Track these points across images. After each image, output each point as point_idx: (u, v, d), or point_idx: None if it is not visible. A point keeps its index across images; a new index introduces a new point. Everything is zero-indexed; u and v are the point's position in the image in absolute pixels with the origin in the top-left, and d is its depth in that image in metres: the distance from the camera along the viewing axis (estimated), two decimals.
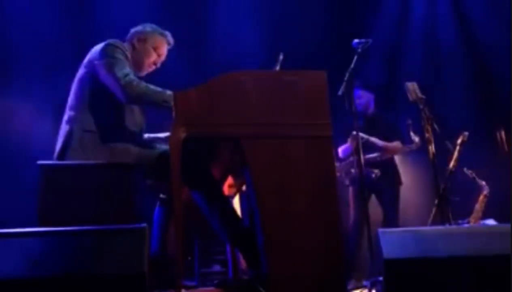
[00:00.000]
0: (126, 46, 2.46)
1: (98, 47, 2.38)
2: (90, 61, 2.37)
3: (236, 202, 2.73)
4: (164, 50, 2.54)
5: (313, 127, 2.07)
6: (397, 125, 3.92)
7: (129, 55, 2.41)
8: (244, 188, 2.63)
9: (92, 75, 2.34)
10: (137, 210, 2.15)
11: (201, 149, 2.26)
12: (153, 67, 2.54)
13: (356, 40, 3.05)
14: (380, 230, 1.82)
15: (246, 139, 2.03)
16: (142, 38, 2.50)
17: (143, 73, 2.53)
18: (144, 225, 1.65)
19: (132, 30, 2.55)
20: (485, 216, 4.03)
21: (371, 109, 3.95)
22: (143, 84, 2.24)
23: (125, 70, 2.28)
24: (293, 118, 2.08)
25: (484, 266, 1.74)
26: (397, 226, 3.61)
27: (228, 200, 2.46)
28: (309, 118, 2.08)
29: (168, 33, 2.55)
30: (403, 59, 3.60)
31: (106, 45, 2.36)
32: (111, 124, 2.31)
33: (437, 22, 4.65)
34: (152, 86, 2.24)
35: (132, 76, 2.27)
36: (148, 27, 2.54)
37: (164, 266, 2.34)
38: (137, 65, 2.47)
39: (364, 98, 3.90)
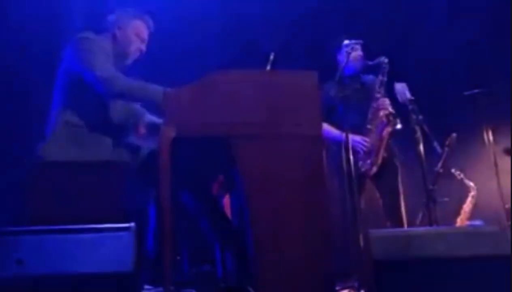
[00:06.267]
0: (105, 36, 2.43)
1: (72, 41, 2.34)
2: (67, 57, 2.34)
3: (226, 202, 2.72)
4: (145, 34, 2.49)
5: (304, 127, 2.07)
6: None
7: (107, 46, 2.37)
8: (234, 187, 2.63)
9: (69, 70, 2.31)
10: (126, 208, 2.14)
11: (191, 148, 2.25)
12: (138, 53, 2.49)
13: (346, 42, 3.05)
14: (371, 230, 1.83)
15: (236, 139, 2.02)
16: (122, 26, 2.45)
17: (130, 61, 2.49)
18: (132, 224, 1.64)
19: (109, 19, 2.49)
20: (473, 217, 4.07)
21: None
22: (125, 79, 2.20)
23: (104, 65, 2.23)
24: (284, 118, 2.07)
25: (473, 267, 1.75)
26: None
27: (217, 200, 2.45)
28: (300, 119, 2.08)
29: (147, 16, 2.51)
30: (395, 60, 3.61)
31: (78, 39, 2.32)
32: (93, 117, 2.28)
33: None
34: (134, 82, 2.20)
35: (111, 71, 2.22)
36: (126, 13, 2.49)
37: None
38: (122, 54, 2.43)
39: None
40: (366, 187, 3.44)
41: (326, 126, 3.33)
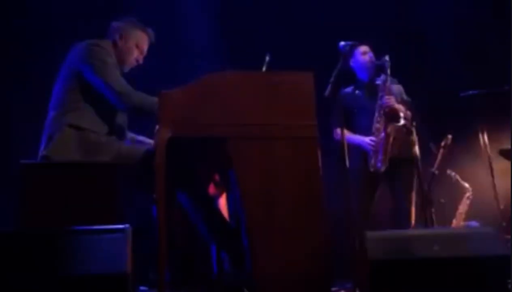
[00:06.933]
0: (107, 43, 2.43)
1: (80, 47, 2.35)
2: (74, 61, 2.34)
3: (222, 201, 2.71)
4: (145, 46, 2.52)
5: (299, 128, 2.07)
6: None
7: (112, 55, 2.38)
8: (230, 187, 2.62)
9: (76, 74, 2.31)
10: (121, 209, 2.13)
11: (187, 149, 2.24)
12: (135, 63, 2.52)
13: (342, 42, 3.05)
14: (367, 231, 1.83)
15: (232, 139, 2.02)
16: (124, 35, 2.46)
17: (126, 70, 2.50)
18: (127, 225, 1.64)
19: (113, 26, 2.50)
20: (468, 218, 4.07)
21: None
22: (139, 94, 2.25)
23: (118, 77, 2.29)
24: (279, 119, 2.07)
25: (468, 267, 1.75)
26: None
27: (213, 200, 2.45)
28: (295, 119, 2.08)
29: (149, 29, 2.53)
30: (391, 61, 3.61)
31: (90, 46, 2.33)
32: (95, 121, 2.29)
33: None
34: (146, 96, 2.25)
35: (126, 85, 2.27)
36: (129, 23, 2.50)
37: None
38: (120, 63, 2.45)
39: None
40: (378, 187, 3.43)
41: (346, 133, 3.31)
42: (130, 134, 2.55)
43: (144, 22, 2.56)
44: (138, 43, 2.48)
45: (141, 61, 2.53)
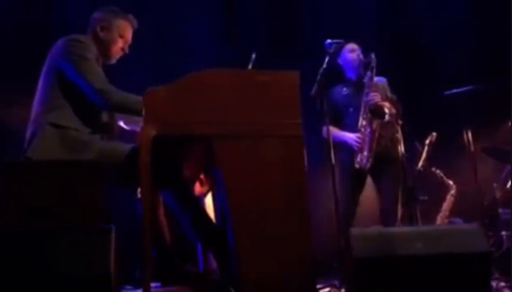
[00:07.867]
0: (89, 37, 2.39)
1: (60, 43, 2.31)
2: (54, 58, 2.30)
3: (209, 200, 2.71)
4: (129, 34, 2.45)
5: (285, 127, 2.07)
6: None
7: (94, 49, 2.34)
8: (216, 186, 2.61)
9: (57, 70, 2.27)
10: (106, 208, 2.11)
11: (172, 147, 2.23)
12: (121, 53, 2.46)
13: (328, 41, 3.06)
14: (352, 229, 1.84)
15: (217, 138, 2.02)
16: (106, 26, 2.40)
17: (112, 61, 2.45)
18: (111, 225, 1.63)
19: (93, 18, 2.43)
20: (452, 215, 4.12)
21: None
22: (120, 93, 2.21)
23: (99, 75, 2.24)
24: (265, 118, 2.07)
25: (452, 264, 1.77)
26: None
27: (198, 199, 2.44)
28: (281, 118, 2.08)
29: (131, 16, 2.46)
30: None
31: (70, 41, 2.29)
32: (77, 118, 2.25)
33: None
34: (129, 95, 2.21)
35: (106, 83, 2.23)
36: (109, 12, 2.44)
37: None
38: (104, 55, 2.40)
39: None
40: (365, 184, 3.44)
41: (334, 130, 3.32)
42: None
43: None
44: (122, 33, 2.41)
45: (126, 51, 2.47)
